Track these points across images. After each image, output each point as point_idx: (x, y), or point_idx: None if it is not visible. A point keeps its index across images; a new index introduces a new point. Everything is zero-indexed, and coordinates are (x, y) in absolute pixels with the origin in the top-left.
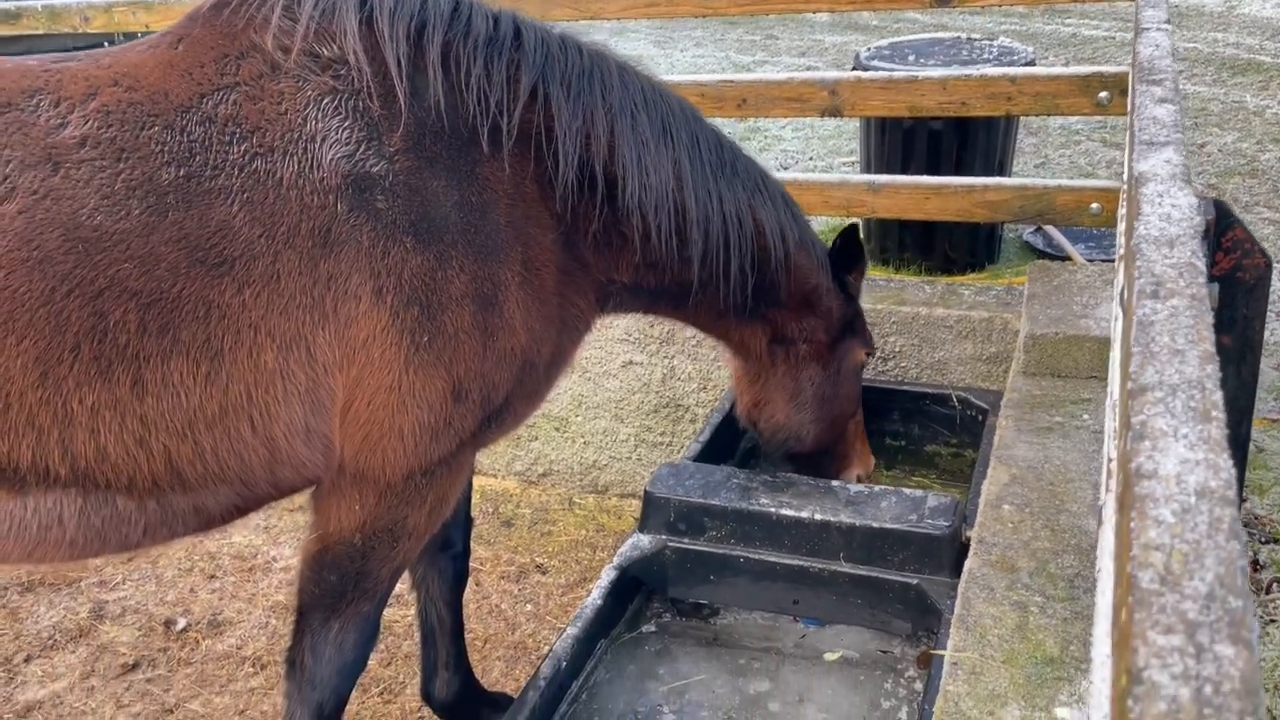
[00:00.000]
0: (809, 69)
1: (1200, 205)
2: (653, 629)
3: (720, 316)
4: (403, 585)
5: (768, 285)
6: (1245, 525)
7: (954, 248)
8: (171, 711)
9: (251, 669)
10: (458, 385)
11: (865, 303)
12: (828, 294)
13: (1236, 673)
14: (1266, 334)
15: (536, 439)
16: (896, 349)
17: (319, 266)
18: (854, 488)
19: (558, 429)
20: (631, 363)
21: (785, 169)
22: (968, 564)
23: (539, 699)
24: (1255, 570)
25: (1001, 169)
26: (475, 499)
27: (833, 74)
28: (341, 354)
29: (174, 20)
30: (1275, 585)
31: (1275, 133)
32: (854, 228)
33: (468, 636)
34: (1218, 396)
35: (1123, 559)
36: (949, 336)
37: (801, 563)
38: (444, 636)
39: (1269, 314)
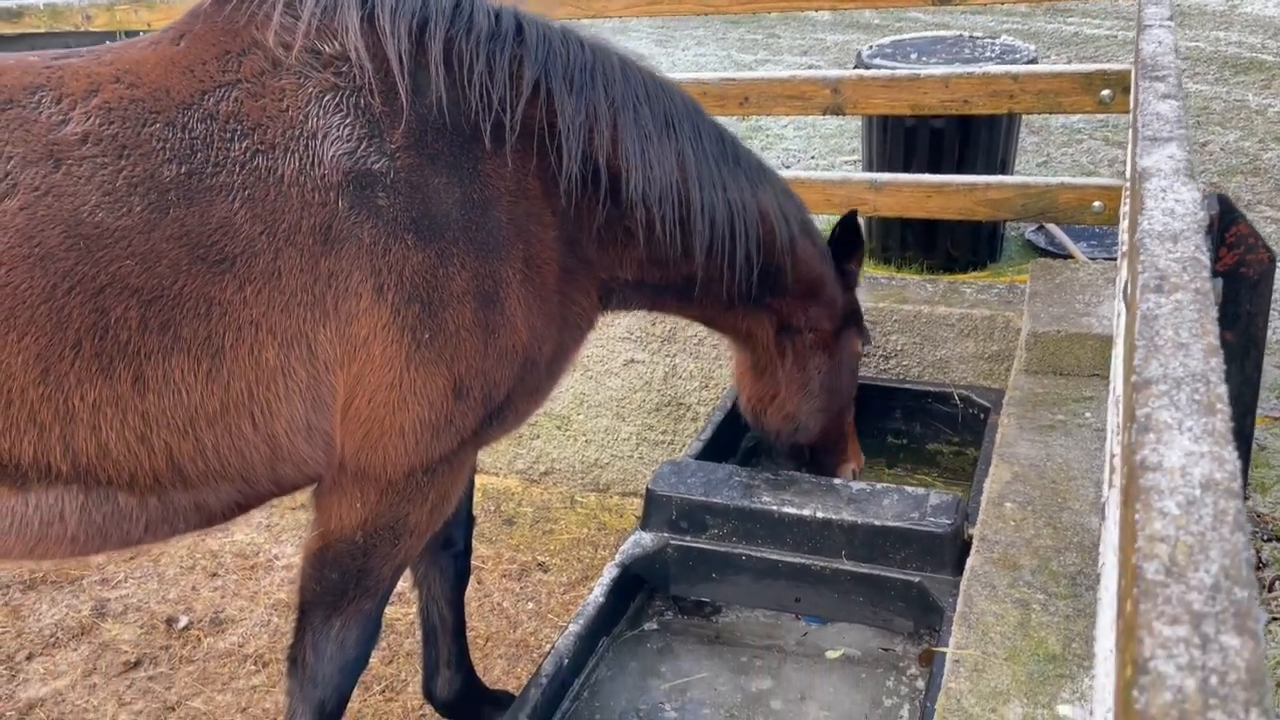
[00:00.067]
0: (811, 67)
1: (1204, 200)
2: (655, 627)
3: (727, 308)
4: (404, 583)
5: (774, 271)
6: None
7: (956, 246)
8: (173, 709)
9: (253, 667)
10: (459, 383)
11: (867, 301)
12: (831, 282)
13: (1242, 663)
14: (1270, 331)
15: (538, 437)
16: (898, 347)
17: (320, 263)
18: (856, 485)
19: (559, 427)
20: (633, 361)
21: (787, 167)
22: (970, 562)
23: (541, 697)
24: (1258, 568)
25: (1004, 167)
26: (477, 497)
27: (835, 72)
28: (342, 351)
29: (176, 18)
30: (1278, 583)
31: (1277, 131)
32: (853, 215)
33: (469, 634)
34: (1222, 390)
35: (1128, 551)
36: (951, 335)
37: (803, 560)
38: (446, 634)
39: (1272, 310)
